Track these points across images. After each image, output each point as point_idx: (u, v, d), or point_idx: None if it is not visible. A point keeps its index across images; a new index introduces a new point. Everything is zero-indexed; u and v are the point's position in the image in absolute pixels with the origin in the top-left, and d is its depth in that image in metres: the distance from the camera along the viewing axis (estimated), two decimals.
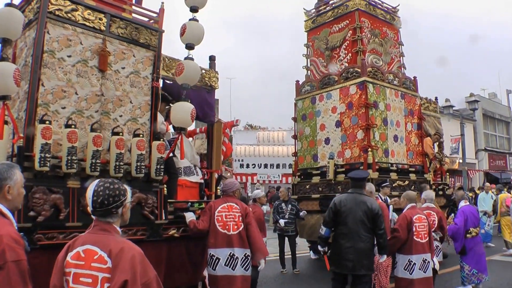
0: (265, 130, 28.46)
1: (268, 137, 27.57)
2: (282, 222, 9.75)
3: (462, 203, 7.94)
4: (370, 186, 7.14)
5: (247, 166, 27.06)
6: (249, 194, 9.06)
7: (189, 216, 5.77)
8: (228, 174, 24.16)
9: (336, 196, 6.21)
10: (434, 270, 6.48)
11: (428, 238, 6.18)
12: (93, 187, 2.54)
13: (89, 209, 2.57)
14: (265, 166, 26.96)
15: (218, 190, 6.71)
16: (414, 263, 6.04)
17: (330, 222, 5.99)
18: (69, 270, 2.45)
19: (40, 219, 4.59)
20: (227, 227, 5.62)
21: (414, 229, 6.08)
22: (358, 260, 5.69)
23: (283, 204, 10.07)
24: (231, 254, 5.56)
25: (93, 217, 2.58)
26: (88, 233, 2.55)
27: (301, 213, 9.84)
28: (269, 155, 26.95)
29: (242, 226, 5.69)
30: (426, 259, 6.07)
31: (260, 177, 26.68)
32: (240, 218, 5.71)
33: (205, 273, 5.90)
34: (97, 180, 2.60)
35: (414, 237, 6.07)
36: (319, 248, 6.26)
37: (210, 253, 5.62)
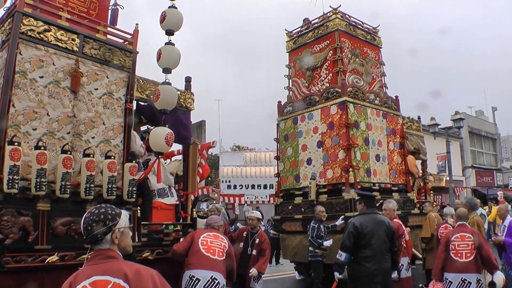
0: (252, 151, 28.45)
1: (255, 158, 27.56)
2: (329, 242, 8.44)
3: (509, 218, 7.73)
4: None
5: (234, 187, 27.00)
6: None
7: None
8: (216, 195, 24.08)
9: (354, 219, 5.90)
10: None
11: (473, 257, 5.99)
12: (85, 214, 2.45)
13: None
14: (253, 186, 26.90)
15: (194, 212, 6.64)
16: (450, 282, 6.01)
17: (351, 247, 5.66)
18: None
19: (8, 241, 4.52)
20: (211, 251, 5.61)
21: (452, 247, 6.05)
22: (384, 281, 5.54)
23: (321, 226, 8.60)
24: (213, 278, 5.51)
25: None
26: (88, 265, 2.37)
27: (338, 221, 8.86)
28: (256, 175, 26.92)
29: (225, 257, 5.71)
30: (465, 279, 5.94)
31: (248, 198, 26.58)
32: (226, 249, 5.76)
33: None
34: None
35: (452, 256, 6.04)
36: (337, 275, 5.82)
37: (190, 274, 5.51)
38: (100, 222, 2.37)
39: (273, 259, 14.60)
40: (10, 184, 4.48)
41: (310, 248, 8.53)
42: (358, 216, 5.96)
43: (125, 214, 2.53)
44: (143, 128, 6.94)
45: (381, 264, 5.54)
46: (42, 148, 4.74)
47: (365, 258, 5.58)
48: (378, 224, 5.69)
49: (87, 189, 5.05)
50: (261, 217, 7.35)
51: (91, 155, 5.14)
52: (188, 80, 6.94)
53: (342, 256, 5.68)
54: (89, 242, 2.41)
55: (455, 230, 6.25)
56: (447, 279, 6.04)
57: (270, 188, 25.84)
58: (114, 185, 5.29)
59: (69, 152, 4.96)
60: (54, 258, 4.78)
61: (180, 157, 8.08)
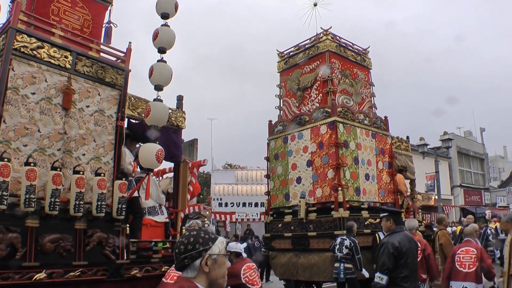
0: (243, 169, 28.52)
1: (246, 176, 27.64)
2: (365, 273, 8.40)
3: None
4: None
5: (226, 204, 26.99)
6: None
7: None
8: (207, 212, 24.04)
9: (390, 238, 5.70)
10: None
11: (474, 268, 6.63)
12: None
13: None
14: (244, 204, 26.90)
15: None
16: None
17: (392, 268, 5.49)
18: None
19: None
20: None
21: (457, 259, 6.80)
22: None
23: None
24: None
25: None
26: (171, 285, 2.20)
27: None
28: (247, 193, 26.96)
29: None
30: (466, 287, 6.59)
31: (239, 215, 26.57)
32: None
33: None
34: None
35: (457, 266, 6.77)
36: None
37: None
38: (188, 244, 2.12)
39: (264, 277, 14.92)
40: None
41: (347, 265, 8.34)
42: (393, 234, 5.75)
43: (221, 241, 2.23)
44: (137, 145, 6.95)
45: (415, 283, 5.68)
46: (32, 164, 4.76)
47: (403, 279, 5.44)
48: (411, 242, 5.66)
49: (77, 206, 5.04)
50: (236, 250, 6.31)
51: (81, 172, 5.16)
52: (179, 98, 6.99)
53: (383, 279, 5.44)
54: (177, 268, 2.20)
55: (462, 245, 6.97)
56: (451, 286, 6.75)
57: (261, 206, 25.81)
58: (103, 202, 5.29)
59: (59, 169, 4.97)
60: (42, 275, 4.75)
61: (171, 174, 8.10)
